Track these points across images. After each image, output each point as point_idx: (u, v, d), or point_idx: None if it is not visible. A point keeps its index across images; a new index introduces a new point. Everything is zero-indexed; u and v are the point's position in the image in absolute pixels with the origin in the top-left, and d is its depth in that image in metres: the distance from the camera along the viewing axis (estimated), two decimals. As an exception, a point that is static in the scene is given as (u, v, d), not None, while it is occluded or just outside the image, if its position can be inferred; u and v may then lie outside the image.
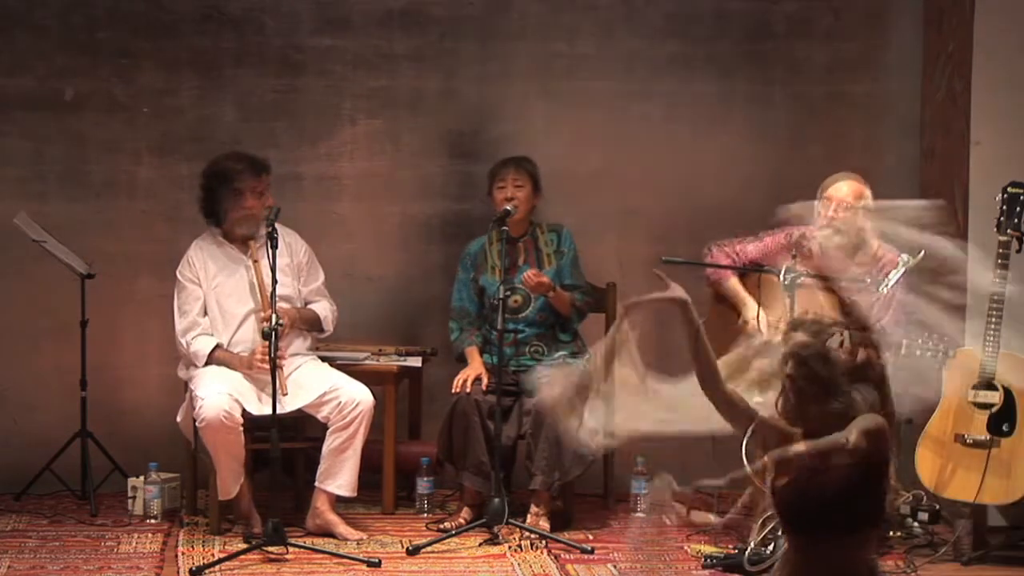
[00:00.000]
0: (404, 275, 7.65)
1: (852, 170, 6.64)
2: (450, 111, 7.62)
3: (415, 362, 7.27)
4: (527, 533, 6.70)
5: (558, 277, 7.03)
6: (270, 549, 6.38)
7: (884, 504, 4.32)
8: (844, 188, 6.53)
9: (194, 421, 6.64)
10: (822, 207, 6.53)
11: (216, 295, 6.89)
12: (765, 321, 6.55)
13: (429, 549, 6.53)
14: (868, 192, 6.56)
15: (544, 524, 6.83)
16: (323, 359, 7.00)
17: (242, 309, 6.87)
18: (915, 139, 7.60)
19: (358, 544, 6.63)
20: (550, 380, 4.80)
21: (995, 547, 6.54)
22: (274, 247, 6.53)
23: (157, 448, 7.21)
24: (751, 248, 6.70)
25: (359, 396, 6.72)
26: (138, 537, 6.75)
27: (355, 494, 6.82)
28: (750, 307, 6.59)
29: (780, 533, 5.94)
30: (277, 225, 6.58)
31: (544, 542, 6.67)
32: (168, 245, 7.30)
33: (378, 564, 6.32)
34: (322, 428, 6.77)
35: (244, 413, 6.63)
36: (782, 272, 6.16)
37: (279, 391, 6.49)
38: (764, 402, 4.45)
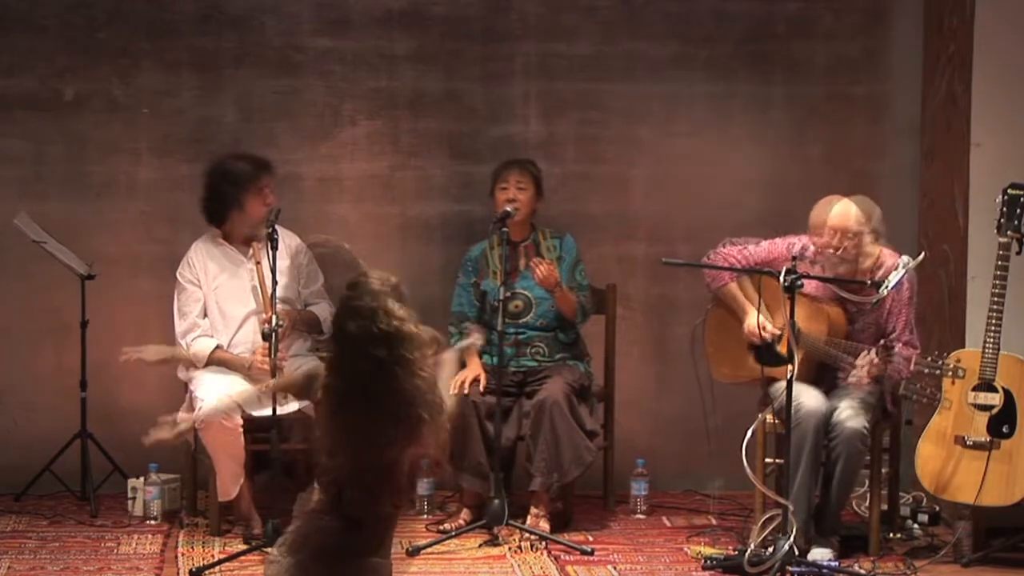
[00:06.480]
0: (404, 276, 7.56)
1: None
2: (450, 111, 7.61)
3: (415, 362, 7.25)
4: (527, 534, 6.70)
5: (559, 282, 7.01)
6: (270, 550, 6.38)
7: None
8: (848, 216, 6.42)
9: (194, 422, 6.64)
10: (827, 237, 6.43)
11: (216, 296, 6.89)
12: (766, 326, 6.53)
13: (429, 550, 6.53)
14: (858, 212, 6.49)
15: (544, 525, 6.83)
16: (323, 360, 6.99)
17: (242, 310, 6.87)
18: (915, 140, 7.59)
19: (358, 545, 6.63)
20: None
21: (995, 549, 6.54)
22: (274, 248, 6.52)
23: (157, 449, 7.15)
24: (756, 250, 6.68)
25: (359, 397, 6.70)
26: (138, 538, 6.75)
27: (355, 495, 6.81)
28: (751, 314, 6.56)
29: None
30: (277, 226, 6.57)
31: (544, 543, 6.67)
32: (168, 245, 7.31)
33: (378, 565, 6.32)
34: (322, 429, 6.76)
35: (244, 414, 6.63)
36: (782, 274, 6.14)
37: (279, 392, 6.49)
38: None
